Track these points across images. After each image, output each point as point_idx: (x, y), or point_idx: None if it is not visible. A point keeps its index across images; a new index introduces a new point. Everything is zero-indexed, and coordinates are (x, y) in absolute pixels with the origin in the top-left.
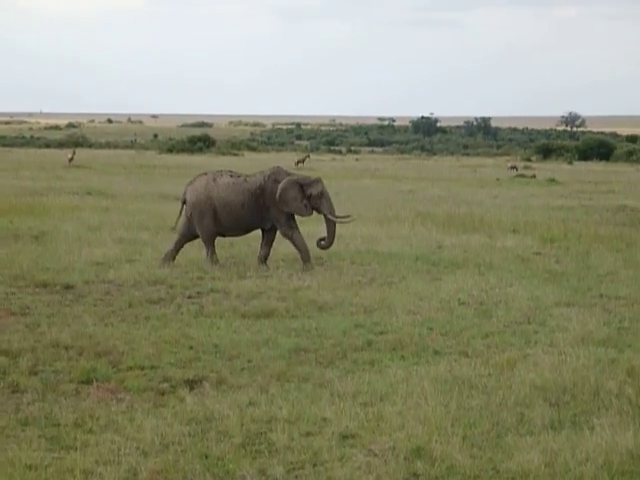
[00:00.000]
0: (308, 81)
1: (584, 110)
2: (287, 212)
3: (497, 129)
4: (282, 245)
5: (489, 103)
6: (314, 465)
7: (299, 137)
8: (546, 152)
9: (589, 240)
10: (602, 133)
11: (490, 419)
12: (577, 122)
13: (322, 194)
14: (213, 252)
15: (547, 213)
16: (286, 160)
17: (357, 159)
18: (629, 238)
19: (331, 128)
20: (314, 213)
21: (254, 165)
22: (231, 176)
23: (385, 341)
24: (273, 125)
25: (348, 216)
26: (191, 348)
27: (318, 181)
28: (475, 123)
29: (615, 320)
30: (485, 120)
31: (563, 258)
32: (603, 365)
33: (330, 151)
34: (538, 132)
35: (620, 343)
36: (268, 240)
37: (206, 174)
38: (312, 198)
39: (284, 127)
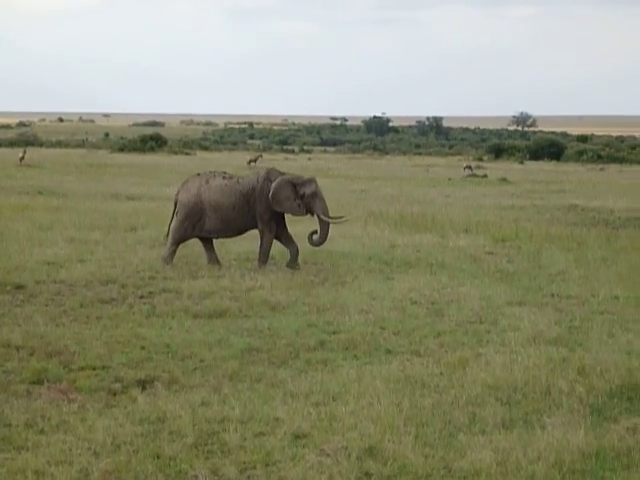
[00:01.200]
0: (261, 80)
1: (535, 110)
2: (272, 212)
3: (449, 129)
4: (235, 244)
5: (441, 103)
6: (266, 465)
7: (252, 136)
8: (497, 152)
9: (540, 239)
10: (553, 133)
11: (442, 418)
12: (528, 122)
13: (315, 194)
14: (172, 253)
15: (499, 213)
16: (239, 160)
17: (310, 158)
18: (580, 237)
19: (284, 127)
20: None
21: (206, 165)
22: (224, 178)
23: (338, 341)
24: (225, 124)
25: (342, 216)
26: (143, 348)
27: (312, 181)
28: (427, 123)
29: (566, 319)
30: (437, 120)
31: (515, 257)
32: (554, 364)
33: (283, 150)
34: (490, 132)
35: (571, 342)
36: (285, 239)
37: (199, 175)
38: (305, 197)
39: (236, 126)
